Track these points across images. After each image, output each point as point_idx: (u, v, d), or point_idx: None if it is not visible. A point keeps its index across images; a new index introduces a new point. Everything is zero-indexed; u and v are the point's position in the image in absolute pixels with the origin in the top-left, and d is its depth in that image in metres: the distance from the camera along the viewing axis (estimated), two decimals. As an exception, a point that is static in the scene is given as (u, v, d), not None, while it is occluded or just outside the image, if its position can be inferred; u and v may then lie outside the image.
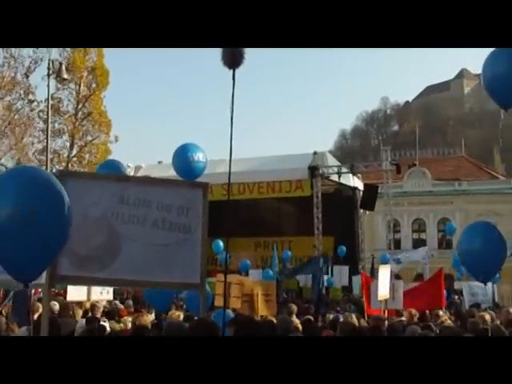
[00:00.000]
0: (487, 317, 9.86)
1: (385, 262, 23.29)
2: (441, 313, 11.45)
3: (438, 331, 8.23)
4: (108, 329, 8.47)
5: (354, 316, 9.95)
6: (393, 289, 12.09)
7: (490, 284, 18.78)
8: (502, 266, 6.32)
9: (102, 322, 9.14)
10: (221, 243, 18.87)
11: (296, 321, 9.90)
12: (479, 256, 6.12)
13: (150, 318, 9.83)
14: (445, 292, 15.33)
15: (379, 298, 11.63)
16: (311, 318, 10.75)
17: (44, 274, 4.86)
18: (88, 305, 10.47)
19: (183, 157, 10.92)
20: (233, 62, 6.64)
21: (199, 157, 10.83)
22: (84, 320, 9.28)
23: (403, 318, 11.13)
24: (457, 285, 20.57)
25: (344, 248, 26.49)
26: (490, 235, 6.21)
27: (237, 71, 6.83)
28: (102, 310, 10.37)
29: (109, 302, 12.26)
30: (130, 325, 9.43)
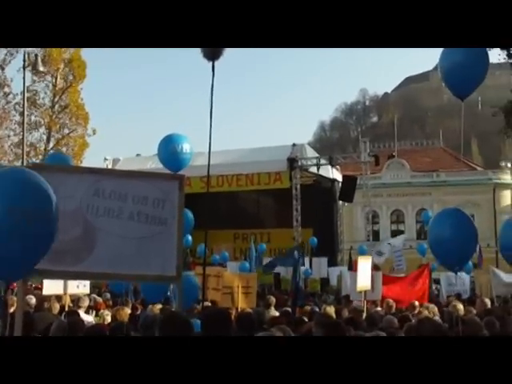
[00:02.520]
0: (460, 306, 9.95)
1: (363, 253, 23.40)
2: (416, 303, 11.54)
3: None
4: (88, 322, 8.39)
5: (331, 307, 9.98)
6: (372, 280, 12.14)
7: (466, 274, 19.01)
8: (474, 254, 6.14)
9: (84, 316, 9.09)
10: (189, 237, 18.76)
11: (275, 313, 9.93)
12: (449, 244, 5.90)
13: (127, 311, 9.81)
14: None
15: (358, 290, 11.69)
16: (289, 309, 10.77)
17: (17, 268, 4.81)
18: (66, 298, 10.40)
19: (169, 147, 10.80)
20: (212, 54, 6.65)
21: (185, 147, 10.70)
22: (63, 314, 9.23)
23: (379, 309, 11.20)
24: (434, 275, 20.70)
25: (315, 239, 26.36)
26: (459, 222, 6.05)
27: (216, 64, 6.85)
28: (87, 303, 10.27)
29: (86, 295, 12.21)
30: (107, 318, 9.40)
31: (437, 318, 9.90)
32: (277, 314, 9.87)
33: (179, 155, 10.65)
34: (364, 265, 12.04)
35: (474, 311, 9.99)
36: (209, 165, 7.70)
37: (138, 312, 10.28)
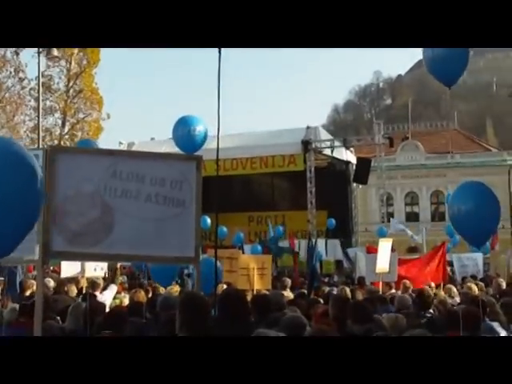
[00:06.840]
0: (474, 287, 9.91)
1: (383, 235, 23.37)
2: (433, 284, 11.52)
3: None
4: (107, 305, 8.42)
5: (347, 289, 9.99)
6: (389, 262, 12.13)
7: (479, 255, 18.99)
8: (497, 227, 5.95)
9: (100, 296, 9.12)
10: (208, 219, 18.83)
11: (289, 294, 9.97)
12: (471, 217, 5.72)
13: (144, 293, 9.84)
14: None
15: (377, 271, 11.67)
16: (304, 291, 10.82)
17: (37, 251, 4.86)
18: (83, 282, 10.46)
19: (182, 129, 10.79)
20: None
21: (198, 129, 10.67)
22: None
23: (393, 291, 11.19)
24: (448, 256, 20.69)
25: (333, 221, 26.21)
26: (482, 194, 5.87)
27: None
28: (101, 286, 10.26)
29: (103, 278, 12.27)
30: (125, 301, 9.45)
31: (456, 299, 9.88)
32: (292, 295, 9.91)
33: (192, 136, 10.62)
34: (385, 247, 12.02)
35: (491, 291, 9.99)
36: (218, 148, 7.68)
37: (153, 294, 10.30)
